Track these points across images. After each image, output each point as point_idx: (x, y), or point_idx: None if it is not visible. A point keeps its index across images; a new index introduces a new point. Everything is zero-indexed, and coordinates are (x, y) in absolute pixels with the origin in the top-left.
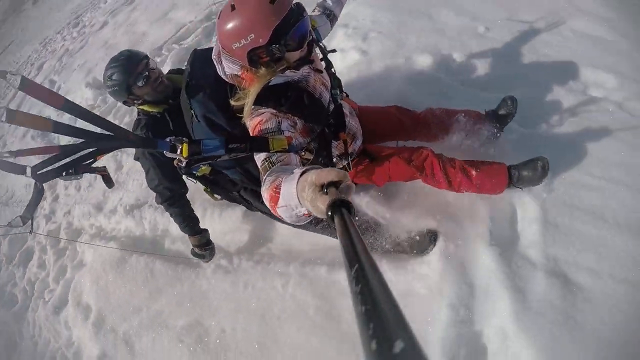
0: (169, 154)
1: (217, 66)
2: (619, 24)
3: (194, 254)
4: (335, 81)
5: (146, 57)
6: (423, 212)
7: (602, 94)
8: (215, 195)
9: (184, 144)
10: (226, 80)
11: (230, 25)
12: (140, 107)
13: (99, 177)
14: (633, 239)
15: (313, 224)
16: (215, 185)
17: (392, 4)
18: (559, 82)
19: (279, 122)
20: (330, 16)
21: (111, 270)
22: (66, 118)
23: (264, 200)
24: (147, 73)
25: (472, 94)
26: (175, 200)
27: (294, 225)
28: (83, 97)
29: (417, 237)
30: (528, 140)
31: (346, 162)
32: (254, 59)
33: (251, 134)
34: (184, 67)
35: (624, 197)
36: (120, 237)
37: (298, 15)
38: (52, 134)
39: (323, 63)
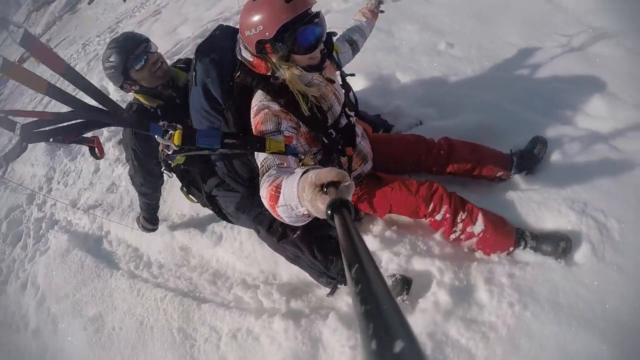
0: (160, 139)
1: (237, 45)
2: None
3: (139, 226)
4: (350, 102)
5: (146, 40)
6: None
7: (590, 123)
8: (191, 197)
9: (177, 131)
10: (240, 59)
11: (247, 14)
12: (137, 95)
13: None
14: None
15: (275, 238)
16: (189, 182)
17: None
18: (524, 106)
19: (278, 123)
20: (353, 45)
21: (57, 259)
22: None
23: (262, 199)
24: (145, 56)
25: (407, 116)
26: (146, 193)
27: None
28: (90, 102)
29: (390, 282)
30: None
31: None
32: (262, 50)
33: (252, 124)
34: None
35: None
36: (73, 231)
37: (310, 21)
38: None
39: (341, 86)
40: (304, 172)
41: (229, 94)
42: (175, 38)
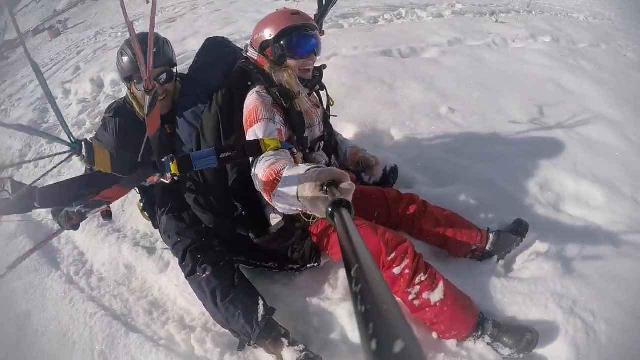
0: (156, 177)
1: (245, 50)
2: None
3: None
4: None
5: (166, 65)
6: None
7: (585, 213)
8: (145, 214)
9: (173, 162)
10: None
11: (261, 23)
12: (131, 98)
13: None
14: None
15: (184, 273)
16: (147, 200)
17: (358, 69)
18: (517, 186)
19: (273, 113)
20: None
21: (3, 241)
22: None
23: (255, 178)
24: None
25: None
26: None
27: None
28: (83, 89)
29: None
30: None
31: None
32: (263, 51)
33: (245, 113)
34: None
35: None
36: (28, 216)
37: (306, 31)
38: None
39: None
40: (306, 171)
41: (226, 76)
42: (181, 48)
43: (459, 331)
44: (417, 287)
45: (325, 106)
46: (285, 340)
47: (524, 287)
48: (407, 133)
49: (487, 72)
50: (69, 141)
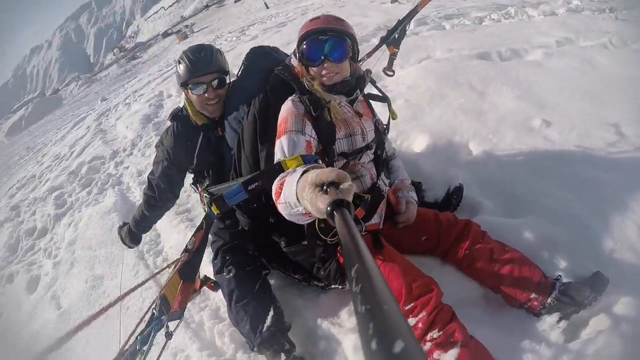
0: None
1: (291, 57)
2: None
3: (119, 235)
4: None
5: (220, 71)
6: None
7: None
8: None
9: (212, 205)
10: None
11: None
12: (187, 103)
13: None
14: None
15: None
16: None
17: (448, 73)
18: (617, 233)
19: (303, 125)
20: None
21: (99, 214)
22: None
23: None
24: (205, 88)
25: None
26: (154, 205)
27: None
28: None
29: None
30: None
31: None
32: (295, 57)
33: (278, 121)
34: None
35: None
36: (126, 197)
37: (316, 37)
38: None
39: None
40: (304, 172)
41: (266, 82)
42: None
43: None
44: (428, 344)
45: (375, 115)
46: (284, 356)
47: None
48: (488, 148)
49: (597, 78)
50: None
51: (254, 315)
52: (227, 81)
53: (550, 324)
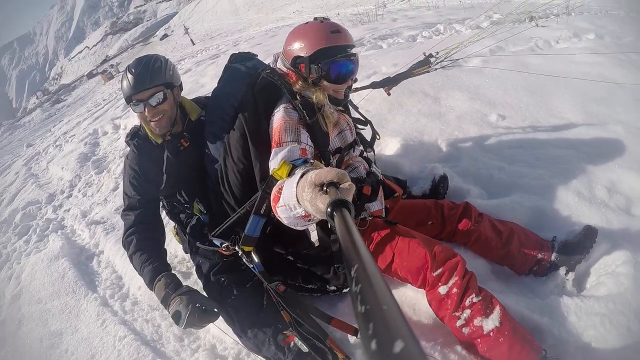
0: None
1: (273, 62)
2: None
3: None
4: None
5: (158, 86)
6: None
7: None
8: (178, 237)
9: (243, 246)
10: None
11: (293, 33)
12: (142, 120)
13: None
14: None
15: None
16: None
17: (399, 84)
18: (589, 194)
19: (298, 134)
20: None
21: (45, 262)
22: None
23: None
24: (143, 107)
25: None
26: (141, 233)
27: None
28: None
29: None
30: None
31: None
32: (296, 66)
33: (272, 129)
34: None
35: None
36: (72, 240)
37: (346, 56)
38: None
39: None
40: (304, 173)
41: (250, 87)
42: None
43: None
44: (468, 311)
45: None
46: None
47: (601, 306)
48: (456, 144)
49: (533, 76)
50: None
51: (275, 332)
52: (174, 94)
53: (561, 277)
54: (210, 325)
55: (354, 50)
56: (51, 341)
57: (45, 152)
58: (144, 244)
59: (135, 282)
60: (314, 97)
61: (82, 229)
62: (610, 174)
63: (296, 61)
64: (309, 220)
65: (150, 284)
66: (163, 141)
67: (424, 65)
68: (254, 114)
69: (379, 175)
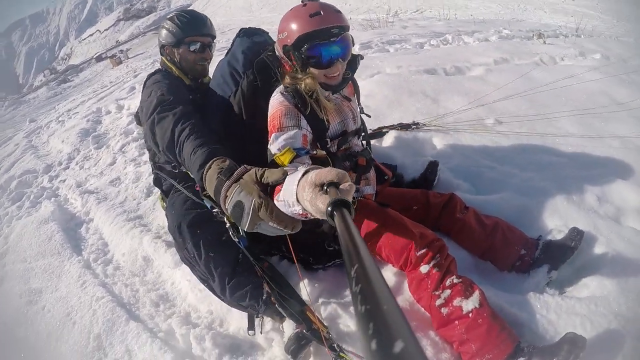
0: None
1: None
2: None
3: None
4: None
5: (214, 37)
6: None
7: None
8: (164, 203)
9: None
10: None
11: (282, 20)
12: (169, 63)
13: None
14: None
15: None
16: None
17: (401, 84)
18: (578, 200)
19: (298, 118)
20: None
21: (34, 224)
22: None
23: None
24: (204, 49)
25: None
26: (197, 135)
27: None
28: (135, 105)
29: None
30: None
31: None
32: (286, 54)
33: (269, 114)
34: None
35: None
36: (64, 207)
37: (326, 38)
38: None
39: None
40: (305, 172)
41: (251, 64)
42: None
43: (493, 354)
44: (448, 291)
45: (355, 92)
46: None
47: (582, 307)
48: (451, 142)
49: (535, 88)
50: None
51: (254, 286)
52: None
53: (543, 275)
54: (188, 294)
55: (344, 30)
56: (30, 298)
57: (47, 127)
58: (202, 131)
59: (120, 249)
60: (303, 84)
61: (75, 197)
62: (602, 183)
63: (284, 49)
64: (306, 218)
65: (199, 171)
66: (188, 85)
67: (405, 128)
68: (252, 86)
69: (371, 153)
